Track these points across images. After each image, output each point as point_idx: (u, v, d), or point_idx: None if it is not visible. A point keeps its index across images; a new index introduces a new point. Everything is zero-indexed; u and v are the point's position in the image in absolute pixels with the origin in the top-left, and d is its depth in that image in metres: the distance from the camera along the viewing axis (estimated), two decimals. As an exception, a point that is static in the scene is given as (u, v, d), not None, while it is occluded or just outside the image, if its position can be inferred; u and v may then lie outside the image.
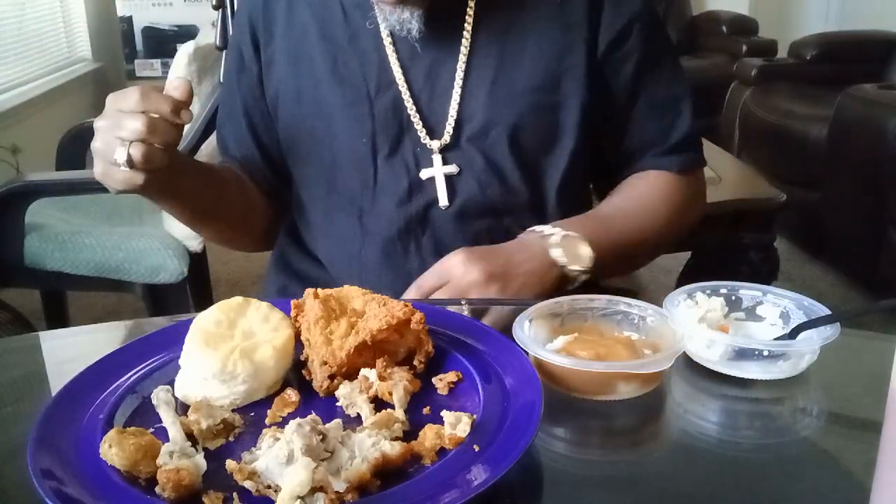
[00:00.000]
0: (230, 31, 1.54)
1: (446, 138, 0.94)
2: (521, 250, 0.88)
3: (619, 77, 0.97)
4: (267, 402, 0.60)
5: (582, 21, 0.94)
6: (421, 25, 0.91)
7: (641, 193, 1.01)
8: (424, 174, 0.95)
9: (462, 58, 0.94)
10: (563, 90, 0.94)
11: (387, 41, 0.96)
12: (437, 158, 0.95)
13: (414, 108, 0.95)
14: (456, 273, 0.84)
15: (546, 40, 0.94)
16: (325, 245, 1.03)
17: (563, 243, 0.88)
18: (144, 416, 0.58)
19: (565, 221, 0.93)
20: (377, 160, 0.96)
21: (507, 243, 0.90)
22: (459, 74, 0.94)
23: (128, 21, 4.68)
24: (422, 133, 0.95)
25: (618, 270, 1.06)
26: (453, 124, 0.94)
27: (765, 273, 2.19)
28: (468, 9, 0.94)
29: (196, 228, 1.08)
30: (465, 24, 0.94)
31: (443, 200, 0.95)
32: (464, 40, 0.94)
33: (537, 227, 0.91)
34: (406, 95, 0.95)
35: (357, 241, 0.99)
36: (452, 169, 0.95)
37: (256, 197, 1.06)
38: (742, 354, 0.66)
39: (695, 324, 0.68)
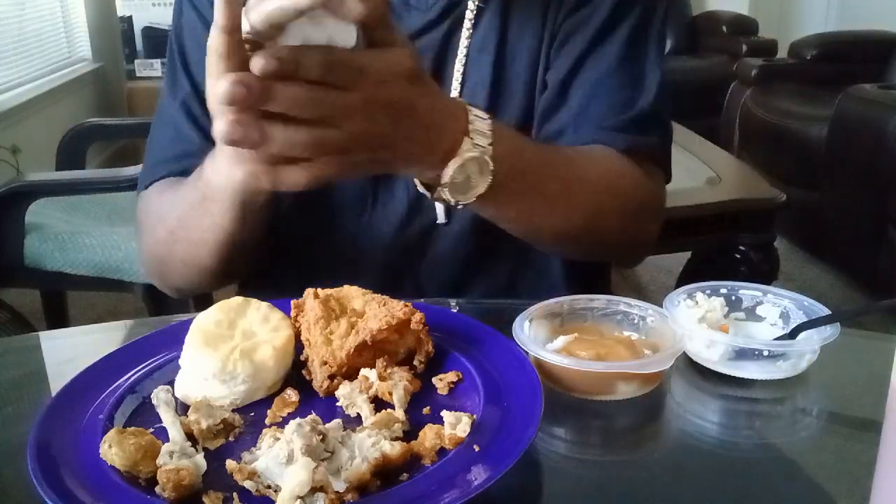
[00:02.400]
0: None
1: None
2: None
3: (574, 42, 0.85)
4: (267, 402, 0.60)
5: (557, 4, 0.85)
6: None
7: (575, 149, 0.83)
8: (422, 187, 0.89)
9: (459, 65, 0.86)
10: (540, 80, 0.87)
11: None
12: None
13: None
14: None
15: (536, 32, 0.86)
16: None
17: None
18: (144, 416, 0.58)
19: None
20: (377, 186, 0.88)
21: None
22: (457, 77, 0.86)
23: (128, 21, 4.69)
24: None
25: (521, 199, 0.74)
26: None
27: (765, 273, 2.19)
28: (468, 10, 0.86)
29: (238, 254, 0.82)
30: (464, 29, 0.86)
31: (441, 217, 0.88)
32: (461, 48, 0.86)
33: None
34: None
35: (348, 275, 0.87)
36: None
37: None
38: (742, 354, 0.66)
39: (695, 324, 0.68)
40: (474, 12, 0.86)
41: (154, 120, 0.94)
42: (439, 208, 0.88)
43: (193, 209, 0.75)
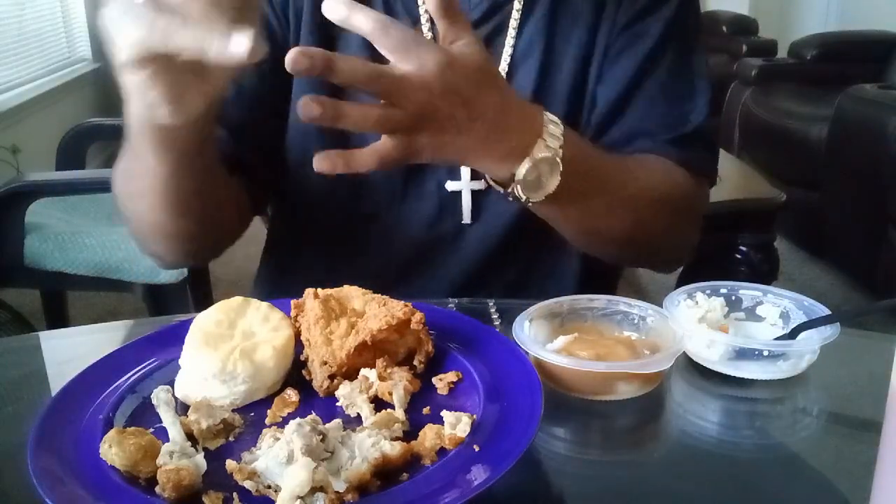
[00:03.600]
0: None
1: None
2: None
3: (628, 59, 0.87)
4: (267, 402, 0.60)
5: (609, 13, 0.86)
6: None
7: (635, 157, 0.86)
8: (451, 186, 0.88)
9: (504, 65, 0.86)
10: (589, 91, 0.88)
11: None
12: (465, 171, 0.88)
13: None
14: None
15: (582, 42, 0.87)
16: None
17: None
18: (144, 416, 0.58)
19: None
20: (407, 182, 0.89)
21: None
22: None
23: (128, 21, 4.68)
24: None
25: (584, 200, 0.76)
26: None
27: (765, 273, 2.19)
28: (514, 11, 0.86)
29: (182, 207, 0.77)
30: (509, 30, 0.86)
31: (466, 217, 0.89)
32: (505, 53, 0.86)
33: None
34: None
35: (372, 271, 0.90)
36: (479, 185, 0.87)
37: (231, 186, 0.86)
38: (742, 354, 0.66)
39: (695, 324, 0.68)
40: (520, 12, 0.86)
41: None
42: (466, 209, 0.89)
43: (129, 161, 0.76)
